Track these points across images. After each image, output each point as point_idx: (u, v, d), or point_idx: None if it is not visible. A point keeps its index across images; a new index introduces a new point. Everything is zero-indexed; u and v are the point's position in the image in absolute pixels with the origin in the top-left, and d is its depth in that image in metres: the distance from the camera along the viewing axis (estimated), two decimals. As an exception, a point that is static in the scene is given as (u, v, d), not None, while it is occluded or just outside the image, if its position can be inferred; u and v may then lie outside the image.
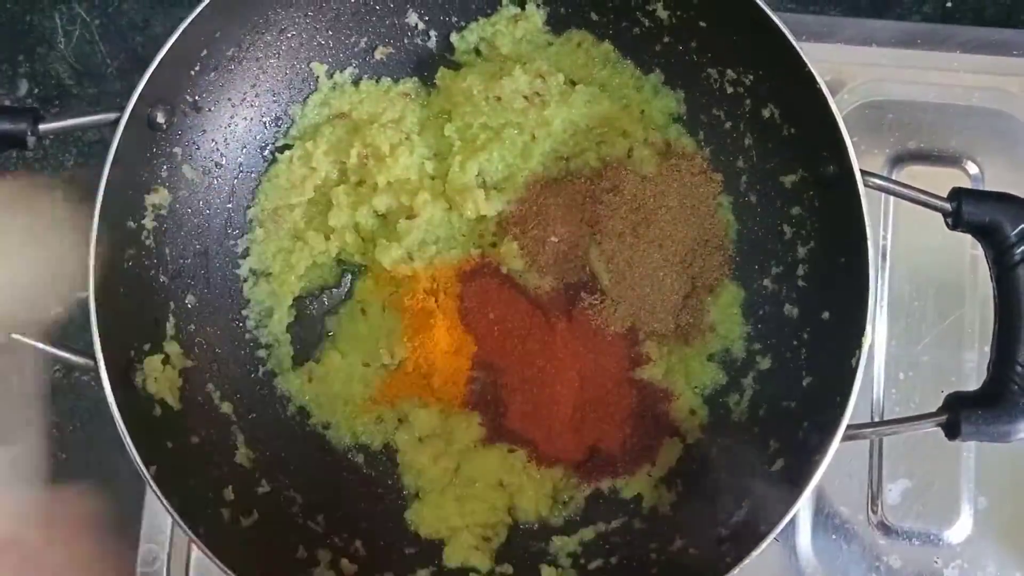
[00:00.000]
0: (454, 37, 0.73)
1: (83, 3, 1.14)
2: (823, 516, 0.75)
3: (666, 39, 0.69)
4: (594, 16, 0.71)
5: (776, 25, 0.60)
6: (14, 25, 1.13)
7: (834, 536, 0.75)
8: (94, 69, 1.13)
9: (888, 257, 0.77)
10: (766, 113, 0.66)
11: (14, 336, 0.57)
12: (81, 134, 1.01)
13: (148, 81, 0.61)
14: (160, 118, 0.63)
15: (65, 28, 1.14)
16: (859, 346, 0.57)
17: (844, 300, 0.60)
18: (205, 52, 0.65)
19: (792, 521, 0.74)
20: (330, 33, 0.71)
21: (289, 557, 0.63)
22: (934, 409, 0.58)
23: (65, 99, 1.12)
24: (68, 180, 1.09)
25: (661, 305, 0.69)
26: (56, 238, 0.63)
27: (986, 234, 0.56)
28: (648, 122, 0.72)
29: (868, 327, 0.56)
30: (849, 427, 0.56)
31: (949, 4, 0.87)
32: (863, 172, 0.57)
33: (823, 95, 0.59)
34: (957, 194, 0.56)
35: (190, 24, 0.61)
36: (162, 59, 0.61)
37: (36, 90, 1.13)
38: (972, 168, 0.79)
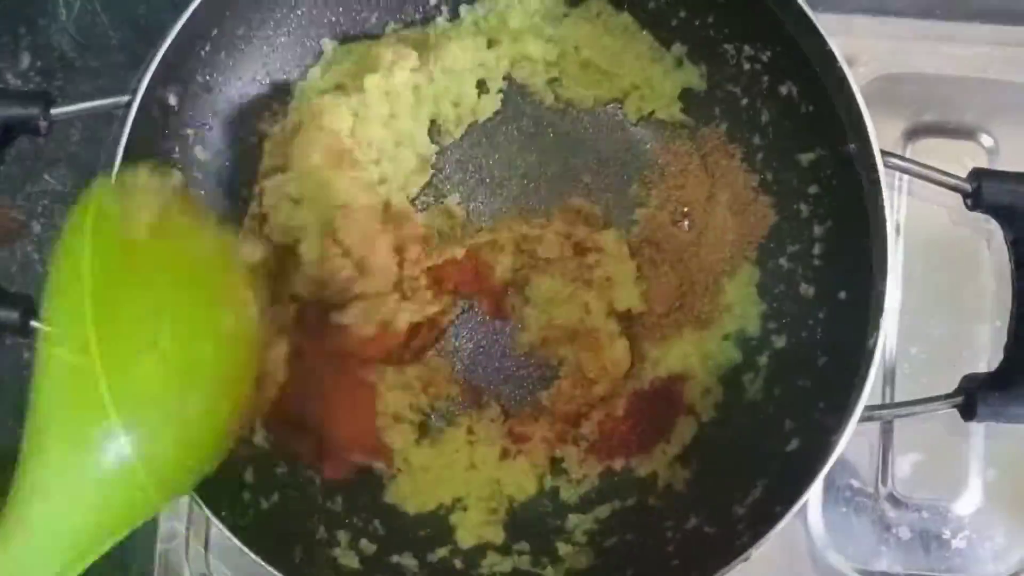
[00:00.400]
0: (463, 8, 0.72)
1: (86, -26, 1.12)
2: (834, 489, 0.75)
3: (682, 13, 0.68)
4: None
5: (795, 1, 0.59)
6: (13, -3, 1.11)
7: (844, 508, 0.75)
8: (97, 41, 1.11)
9: (901, 231, 0.77)
10: (784, 90, 0.65)
11: (33, 323, 0.57)
12: (87, 107, 0.99)
13: (159, 62, 0.60)
14: (171, 99, 0.62)
15: (67, 0, 1.12)
16: (877, 327, 0.56)
17: (861, 280, 0.59)
18: (216, 31, 0.64)
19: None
20: (341, 10, 0.70)
21: (309, 537, 0.64)
22: (947, 383, 0.59)
23: (68, 72, 1.11)
24: (72, 156, 1.08)
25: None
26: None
27: (1006, 216, 0.55)
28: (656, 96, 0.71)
29: (886, 309, 0.56)
30: (865, 408, 0.56)
31: (966, -28, 0.86)
32: (883, 152, 0.57)
33: (843, 73, 0.58)
34: (977, 175, 0.56)
35: (199, 4, 0.60)
36: (172, 40, 0.60)
37: (38, 63, 1.12)
38: (988, 141, 0.79)
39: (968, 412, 0.55)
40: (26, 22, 1.11)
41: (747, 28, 0.66)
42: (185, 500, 0.74)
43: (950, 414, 0.76)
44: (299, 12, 0.69)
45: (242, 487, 0.63)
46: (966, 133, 0.79)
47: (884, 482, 0.76)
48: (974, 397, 0.54)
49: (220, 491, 0.60)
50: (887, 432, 0.75)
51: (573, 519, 0.68)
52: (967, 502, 0.75)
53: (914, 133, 0.79)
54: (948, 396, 0.55)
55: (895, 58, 0.78)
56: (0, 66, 1.08)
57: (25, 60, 1.11)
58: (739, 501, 0.61)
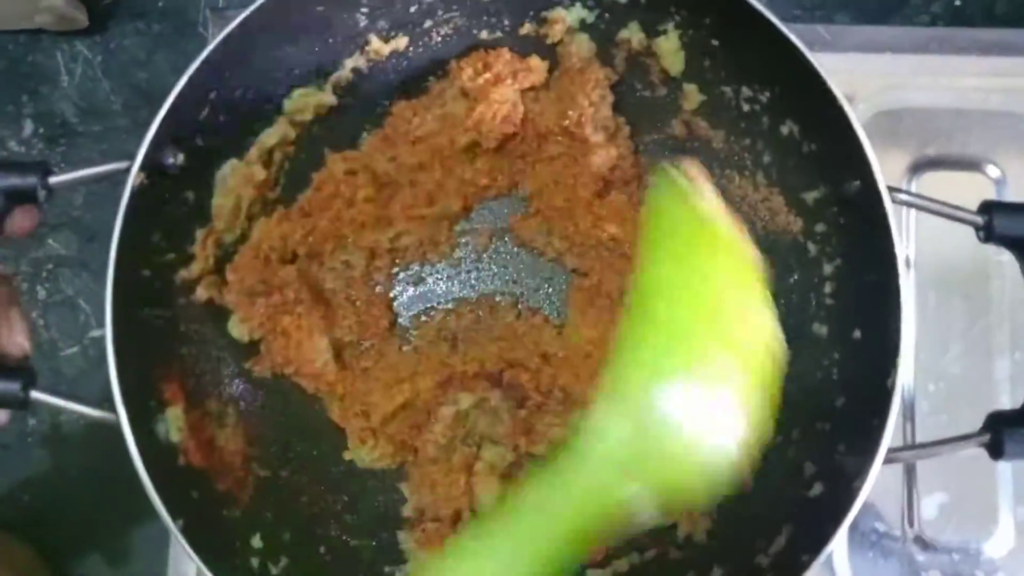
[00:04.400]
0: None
1: (85, 41, 1.14)
2: (859, 532, 0.73)
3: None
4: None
5: (790, 40, 0.59)
6: (17, 66, 1.13)
7: (871, 553, 0.73)
8: (98, 106, 1.13)
9: (912, 266, 0.76)
10: (784, 130, 0.65)
11: (34, 394, 0.56)
12: (89, 173, 1.01)
13: (158, 127, 0.60)
14: (171, 160, 0.62)
15: (68, 66, 1.14)
16: (894, 366, 0.55)
17: (875, 318, 0.58)
18: (214, 95, 0.64)
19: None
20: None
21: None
22: (969, 419, 0.57)
23: (71, 137, 1.12)
24: (76, 221, 1.09)
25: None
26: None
27: (1020, 246, 0.54)
28: None
29: (904, 347, 0.55)
30: (889, 451, 0.54)
31: (958, 2, 0.86)
32: (889, 188, 0.56)
33: (843, 110, 0.57)
34: (988, 207, 0.55)
35: (194, 72, 0.60)
36: (171, 103, 0.60)
37: (41, 130, 1.13)
38: (994, 172, 0.78)
39: (996, 451, 0.53)
40: (29, 90, 1.12)
41: (745, 70, 0.65)
42: (191, 570, 0.72)
43: (975, 451, 0.75)
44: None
45: (250, 553, 0.61)
46: (971, 165, 0.79)
47: (911, 524, 0.74)
48: (1001, 434, 0.53)
49: (227, 559, 0.59)
50: (910, 472, 0.74)
51: (591, 574, 0.66)
52: (999, 543, 0.73)
53: (918, 167, 0.78)
54: (974, 435, 0.54)
55: (894, 94, 0.78)
56: (3, 134, 1.09)
57: (28, 127, 1.12)
58: (763, 550, 0.59)
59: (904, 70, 0.79)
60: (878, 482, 0.68)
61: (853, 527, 0.73)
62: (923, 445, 0.54)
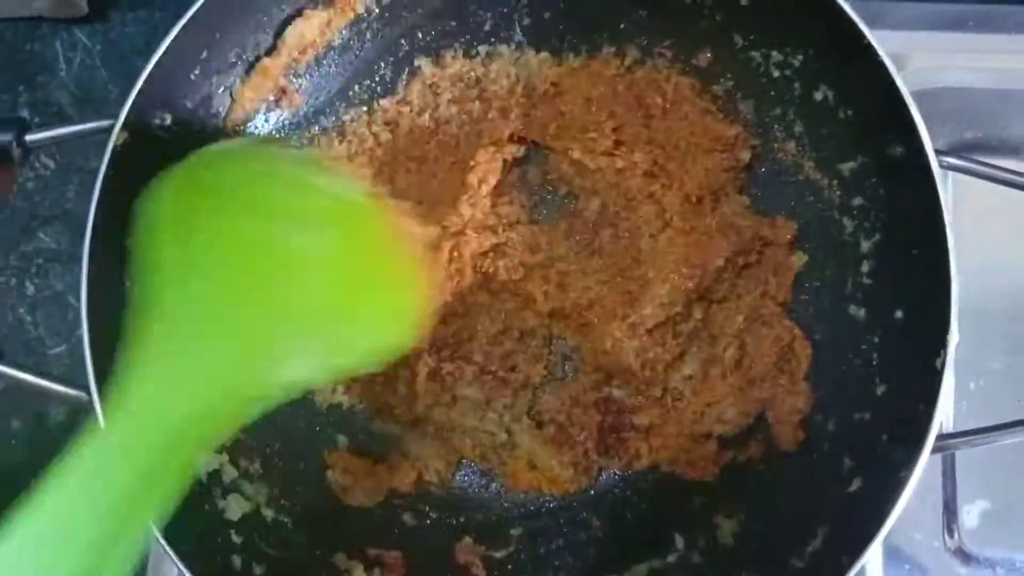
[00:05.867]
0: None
1: (84, 29, 1.11)
2: (894, 544, 0.68)
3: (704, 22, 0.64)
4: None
5: (829, -3, 0.54)
6: (15, 54, 1.11)
7: (907, 566, 0.68)
8: (96, 94, 1.10)
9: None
10: (818, 96, 0.60)
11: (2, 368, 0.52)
12: (83, 163, 0.97)
13: (143, 84, 0.56)
14: (158, 120, 0.58)
15: (66, 55, 1.11)
16: (943, 345, 0.50)
17: (920, 295, 0.53)
18: (205, 54, 0.60)
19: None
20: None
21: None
22: (1013, 415, 0.52)
23: (68, 127, 1.09)
24: (68, 213, 1.05)
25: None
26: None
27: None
28: None
29: (953, 322, 0.49)
30: (937, 438, 0.49)
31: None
32: (937, 152, 0.51)
33: (885, 68, 0.53)
34: (1045, 171, 0.50)
35: (186, 24, 0.57)
36: (157, 62, 0.56)
37: (36, 119, 1.10)
38: (1036, 157, 0.74)
39: (1053, 439, 0.48)
40: (25, 79, 1.09)
41: (775, 32, 0.61)
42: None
43: (1017, 457, 0.69)
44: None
45: (232, 551, 0.56)
46: (1011, 150, 0.74)
47: (951, 534, 0.68)
48: (1057, 421, 0.48)
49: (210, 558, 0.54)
50: (949, 479, 0.68)
51: (607, 580, 0.60)
52: (1047, 556, 0.67)
53: (956, 152, 0.74)
54: (1025, 421, 0.48)
55: (933, 74, 0.74)
56: (-2, 124, 1.06)
57: (24, 116, 1.09)
58: (797, 554, 0.54)
59: (943, 49, 0.75)
60: (916, 488, 0.63)
61: (888, 539, 0.67)
62: (975, 431, 0.49)
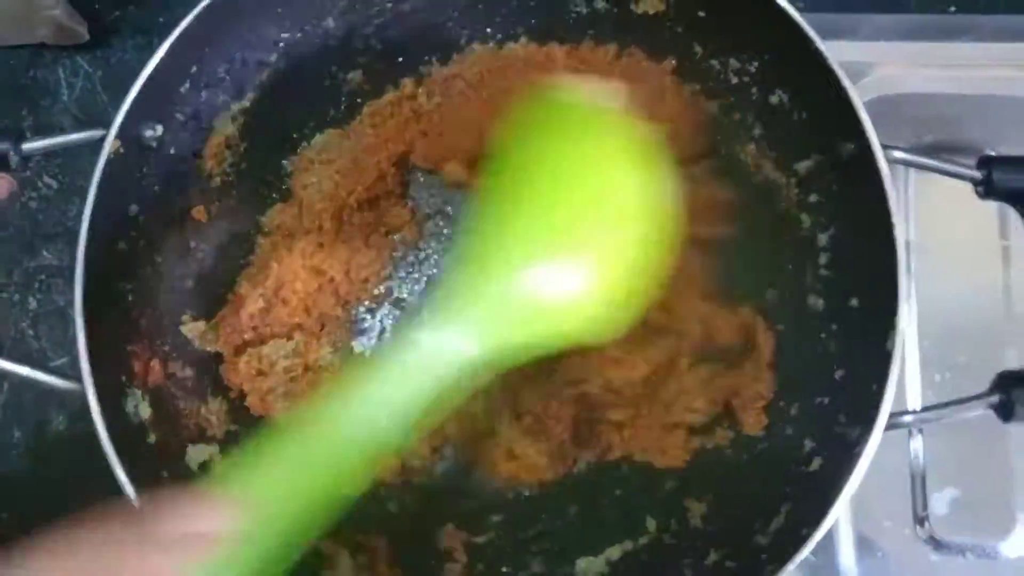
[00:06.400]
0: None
1: (86, 55, 1.15)
2: (866, 533, 0.69)
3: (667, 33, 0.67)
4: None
5: (777, 4, 0.58)
6: (18, 79, 1.14)
7: (880, 554, 0.70)
8: (97, 119, 1.13)
9: (913, 252, 0.74)
10: (774, 99, 0.64)
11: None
12: (84, 182, 1.01)
13: (136, 98, 0.60)
14: (150, 132, 0.61)
15: (68, 80, 1.15)
16: (893, 327, 0.53)
17: (873, 283, 0.56)
18: (194, 69, 0.64)
19: (833, 539, 0.69)
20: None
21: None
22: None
23: (69, 149, 1.12)
24: (71, 231, 1.08)
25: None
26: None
27: (1021, 201, 0.52)
28: None
29: (902, 304, 0.52)
30: (891, 415, 0.52)
31: (955, -12, 0.85)
32: (883, 146, 0.54)
33: (833, 72, 0.56)
34: (987, 161, 0.53)
35: (175, 40, 0.60)
36: (149, 75, 0.60)
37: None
38: (993, 159, 0.76)
39: (1006, 412, 0.50)
40: (28, 103, 1.12)
41: (732, 40, 0.64)
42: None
43: (986, 445, 0.71)
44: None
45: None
46: (971, 153, 0.75)
47: (921, 524, 0.70)
48: (1010, 395, 0.50)
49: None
50: (918, 468, 0.70)
51: (582, 563, 0.62)
52: (1017, 543, 0.69)
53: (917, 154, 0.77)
54: (982, 395, 0.51)
55: (893, 80, 0.77)
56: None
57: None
58: (761, 531, 0.56)
59: (903, 58, 0.78)
60: (882, 478, 0.65)
61: (860, 528, 0.69)
62: (928, 408, 0.51)
